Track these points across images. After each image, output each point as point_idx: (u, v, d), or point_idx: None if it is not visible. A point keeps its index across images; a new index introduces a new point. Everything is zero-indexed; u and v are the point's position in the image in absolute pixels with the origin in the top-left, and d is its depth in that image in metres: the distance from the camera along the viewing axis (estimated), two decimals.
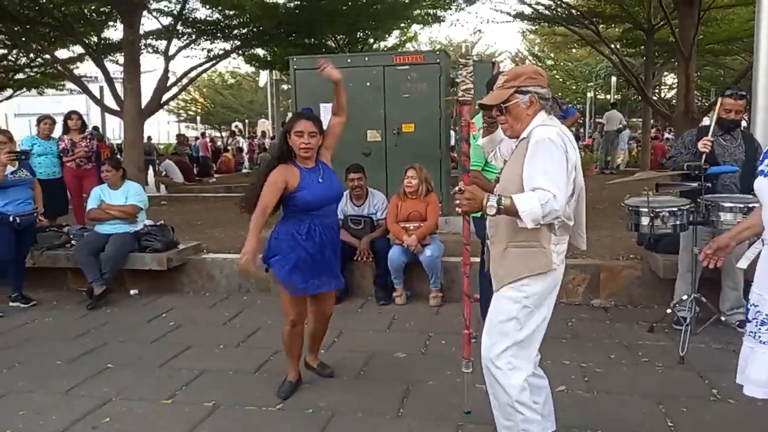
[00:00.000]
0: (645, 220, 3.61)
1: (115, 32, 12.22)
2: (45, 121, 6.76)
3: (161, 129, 35.44)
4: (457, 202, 2.20)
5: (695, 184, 3.67)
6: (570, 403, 3.05)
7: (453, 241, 5.46)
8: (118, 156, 10.72)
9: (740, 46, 14.71)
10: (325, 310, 3.34)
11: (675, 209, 3.58)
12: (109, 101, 10.96)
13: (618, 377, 3.38)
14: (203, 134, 25.31)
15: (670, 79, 23.32)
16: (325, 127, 3.16)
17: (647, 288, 4.67)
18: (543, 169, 2.11)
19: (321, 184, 3.06)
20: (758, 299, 2.06)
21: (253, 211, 3.04)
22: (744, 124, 5.17)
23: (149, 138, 19.19)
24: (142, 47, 11.04)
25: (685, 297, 3.87)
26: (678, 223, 3.59)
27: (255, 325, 4.46)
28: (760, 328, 2.03)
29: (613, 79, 21.60)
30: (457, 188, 2.25)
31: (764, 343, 2.01)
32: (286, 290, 3.11)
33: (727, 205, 3.49)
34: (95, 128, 12.92)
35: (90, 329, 4.50)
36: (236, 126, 25.67)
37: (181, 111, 33.79)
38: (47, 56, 11.31)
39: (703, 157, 3.73)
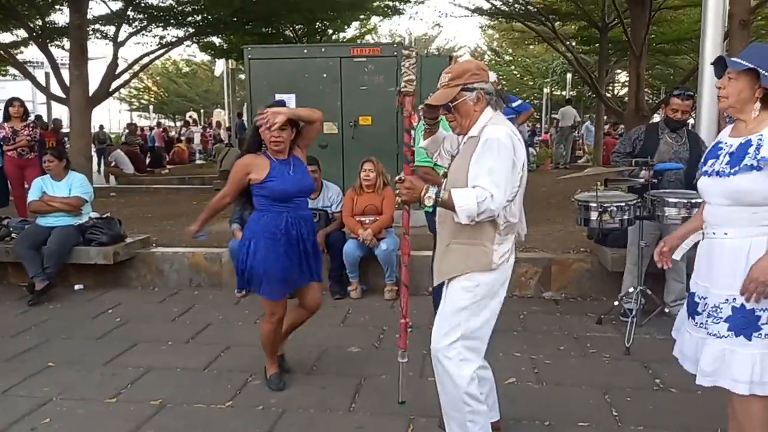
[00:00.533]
0: (594, 215, 3.69)
1: (61, 16, 11.73)
2: None
3: (112, 118, 34.33)
4: (397, 191, 2.23)
5: (642, 180, 3.75)
6: (519, 395, 3.10)
7: (409, 235, 5.47)
8: (66, 144, 10.32)
9: (689, 46, 15.23)
10: (314, 301, 3.28)
11: (623, 204, 3.67)
12: (55, 88, 10.50)
13: (566, 368, 3.45)
14: (159, 124, 24.65)
15: (622, 77, 24.03)
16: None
17: (597, 281, 4.79)
18: (488, 168, 2.14)
19: (291, 176, 3.04)
20: (705, 291, 2.11)
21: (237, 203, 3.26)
22: (692, 121, 5.35)
23: (101, 126, 18.57)
24: (90, 32, 10.60)
25: (631, 289, 3.97)
26: (625, 217, 3.69)
27: (205, 321, 4.36)
28: (707, 320, 2.08)
29: (569, 75, 22.07)
30: (397, 178, 2.24)
31: (710, 334, 2.07)
32: (271, 297, 3.09)
33: (671, 200, 3.60)
34: (38, 117, 12.34)
35: (31, 326, 4.31)
36: (191, 116, 25.09)
37: (133, 99, 32.82)
38: None
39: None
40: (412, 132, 2.50)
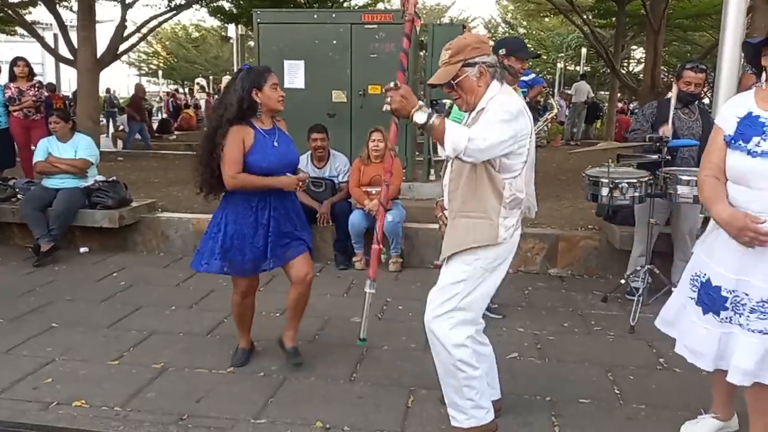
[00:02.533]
0: (604, 191, 3.61)
1: None
2: None
3: (121, 83, 34.11)
4: (389, 99, 2.06)
5: (655, 156, 3.68)
6: (521, 370, 3.08)
7: (415, 207, 5.43)
8: (71, 108, 10.27)
9: (708, 22, 14.87)
10: (300, 275, 2.96)
11: (634, 181, 3.60)
12: (63, 50, 10.40)
13: (570, 345, 3.43)
14: (177, 90, 24.48)
15: (638, 53, 23.53)
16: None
17: (604, 259, 4.74)
18: (486, 123, 2.12)
19: (276, 149, 2.84)
20: (736, 284, 2.00)
21: (216, 191, 2.90)
22: (706, 101, 5.23)
23: (108, 90, 18.46)
24: None
25: (638, 268, 3.92)
26: (636, 194, 3.61)
27: (209, 287, 4.35)
28: (749, 317, 1.97)
29: (583, 50, 21.63)
30: (391, 84, 2.06)
31: (754, 331, 1.96)
32: (230, 272, 2.94)
33: (684, 178, 3.52)
34: (49, 84, 12.32)
35: (35, 287, 4.32)
36: (198, 82, 24.89)
37: (142, 64, 32.54)
38: None
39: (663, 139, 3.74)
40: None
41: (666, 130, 3.75)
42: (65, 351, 3.25)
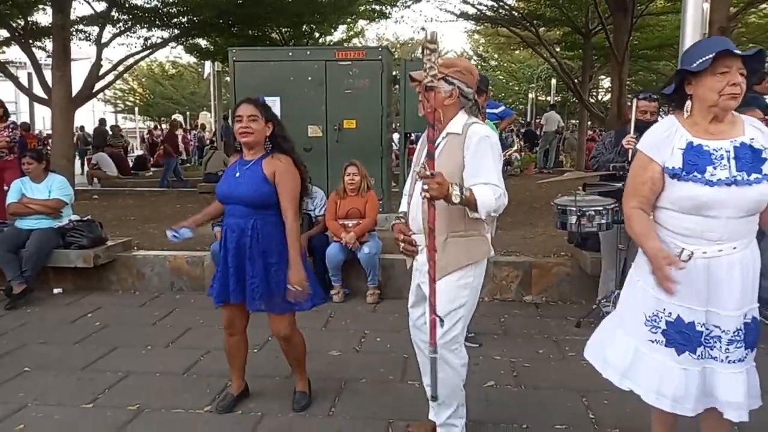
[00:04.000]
0: (573, 219, 3.73)
1: (44, 16, 11.59)
2: None
3: (96, 119, 33.91)
4: (426, 187, 2.12)
5: (620, 184, 3.80)
6: (498, 398, 3.12)
7: (391, 239, 5.46)
8: (45, 147, 10.20)
9: (671, 52, 15.43)
10: (276, 330, 2.91)
11: (600, 208, 3.72)
12: (38, 89, 10.38)
13: (545, 372, 3.48)
14: (156, 127, 24.46)
15: (606, 83, 24.26)
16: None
17: (576, 285, 4.83)
18: (491, 166, 2.25)
19: (235, 179, 2.77)
20: (705, 316, 1.96)
21: None
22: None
23: (82, 128, 18.37)
24: (73, 33, 10.51)
25: (609, 293, 4.02)
26: (603, 221, 3.74)
27: (186, 325, 4.33)
28: (728, 348, 1.94)
29: (553, 81, 22.24)
30: (429, 173, 2.14)
31: (735, 362, 1.94)
32: (210, 293, 2.96)
33: None
34: (23, 123, 12.32)
35: (7, 330, 4.25)
36: (175, 118, 24.87)
37: (118, 101, 32.45)
38: None
39: (629, 153, 3.89)
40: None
41: (630, 140, 3.86)
42: (38, 395, 3.20)
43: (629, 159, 3.84)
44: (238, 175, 2.76)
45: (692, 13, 5.09)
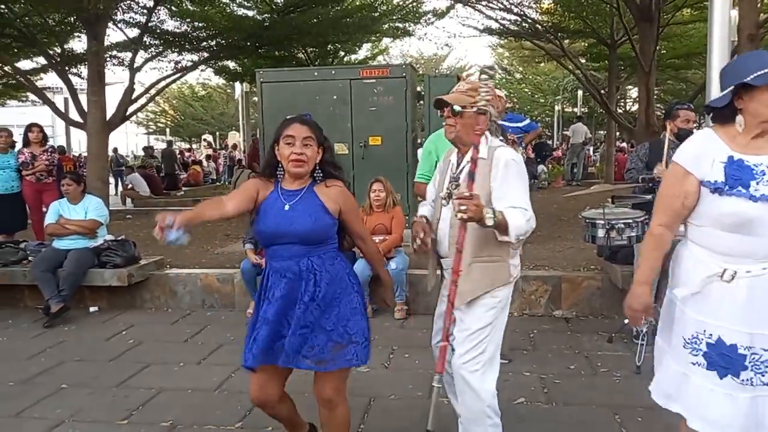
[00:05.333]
0: (601, 232, 3.69)
1: (79, 43, 12.03)
2: (0, 134, 6.59)
3: (129, 141, 34.90)
4: (464, 208, 2.08)
5: (650, 197, 3.76)
6: (528, 415, 3.08)
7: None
8: (81, 169, 10.53)
9: (700, 60, 15.17)
10: (319, 391, 2.34)
11: (630, 221, 3.67)
12: (74, 113, 10.74)
13: (576, 388, 3.42)
14: (189, 149, 25.13)
15: (634, 92, 23.95)
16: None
17: (607, 298, 4.76)
18: (520, 189, 2.26)
19: (284, 212, 2.26)
20: (754, 340, 1.86)
21: None
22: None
23: (115, 149, 18.91)
24: (107, 59, 10.87)
25: None
26: (633, 234, 3.68)
27: (217, 342, 4.39)
28: None
29: (579, 92, 22.07)
30: (468, 194, 2.12)
31: None
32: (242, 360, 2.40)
33: None
34: (60, 146, 12.78)
35: (45, 348, 4.37)
36: (205, 138, 25.47)
37: (150, 123, 33.36)
38: (8, 67, 11.03)
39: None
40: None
41: (661, 170, 3.84)
42: (75, 412, 3.28)
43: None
44: (287, 208, 2.27)
45: (720, 21, 5.02)
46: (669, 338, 2.08)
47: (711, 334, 1.92)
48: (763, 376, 1.86)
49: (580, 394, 3.33)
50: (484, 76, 2.25)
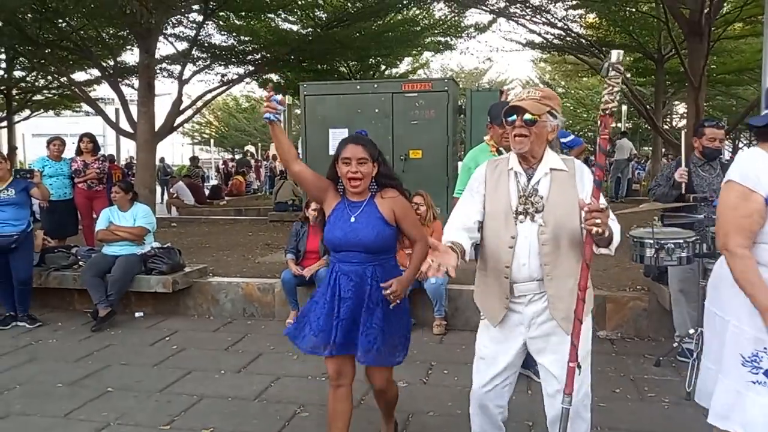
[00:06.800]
0: (650, 252, 3.57)
1: (131, 56, 12.52)
2: (54, 142, 6.87)
3: (175, 151, 35.90)
4: (598, 221, 1.94)
5: (701, 216, 3.64)
6: None
7: (459, 269, 5.42)
8: (130, 177, 10.87)
9: (752, 76, 14.71)
10: (373, 381, 2.75)
11: (681, 241, 3.55)
12: (124, 124, 11.13)
13: (622, 413, 3.31)
14: (232, 159, 25.83)
15: (681, 108, 23.34)
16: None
17: (654, 320, 4.60)
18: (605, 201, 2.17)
19: (350, 224, 2.52)
20: None
21: None
22: (728, 155, 5.26)
23: (162, 159, 19.48)
24: (157, 71, 11.24)
25: (692, 330, 3.80)
26: (683, 255, 3.55)
27: (257, 351, 4.44)
28: None
29: (624, 107, 21.61)
30: (602, 205, 1.99)
31: None
32: (300, 346, 2.65)
33: None
34: (109, 155, 13.30)
35: (93, 351, 4.50)
36: (247, 150, 25.99)
37: (195, 134, 34.23)
38: (64, 79, 11.53)
39: (683, 186, 3.79)
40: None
41: (683, 173, 3.81)
42: (120, 416, 3.35)
43: (682, 191, 3.81)
44: (353, 220, 2.53)
45: None
46: (719, 359, 2.04)
47: None
48: None
49: (626, 420, 3.22)
50: (613, 73, 2.02)
